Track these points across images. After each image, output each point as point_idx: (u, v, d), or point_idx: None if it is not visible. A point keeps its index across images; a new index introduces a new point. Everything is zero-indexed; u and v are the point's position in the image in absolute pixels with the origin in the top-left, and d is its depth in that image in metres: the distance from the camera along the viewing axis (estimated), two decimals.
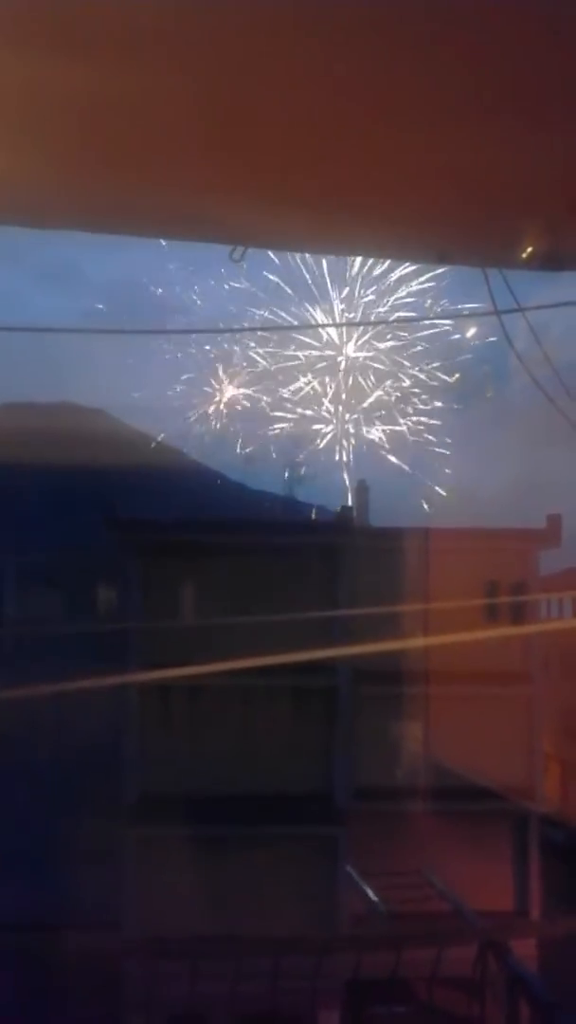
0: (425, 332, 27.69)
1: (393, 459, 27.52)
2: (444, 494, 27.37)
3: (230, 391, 26.64)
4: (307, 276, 25.39)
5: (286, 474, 27.74)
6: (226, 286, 24.78)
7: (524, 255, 4.73)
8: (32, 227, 4.71)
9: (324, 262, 24.29)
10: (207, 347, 26.63)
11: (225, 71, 3.57)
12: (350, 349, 28.46)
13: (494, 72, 3.66)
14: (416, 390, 27.71)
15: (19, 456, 20.57)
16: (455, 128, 4.00)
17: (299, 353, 27.47)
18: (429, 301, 25.59)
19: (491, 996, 11.66)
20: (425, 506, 26.75)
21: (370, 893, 18.15)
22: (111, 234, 4.57)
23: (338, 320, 28.17)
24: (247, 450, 27.96)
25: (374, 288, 26.52)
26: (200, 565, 21.46)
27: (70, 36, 3.31)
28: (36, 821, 19.13)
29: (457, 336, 26.56)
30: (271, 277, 24.40)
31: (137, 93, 3.66)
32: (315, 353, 27.68)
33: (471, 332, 26.14)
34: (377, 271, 25.52)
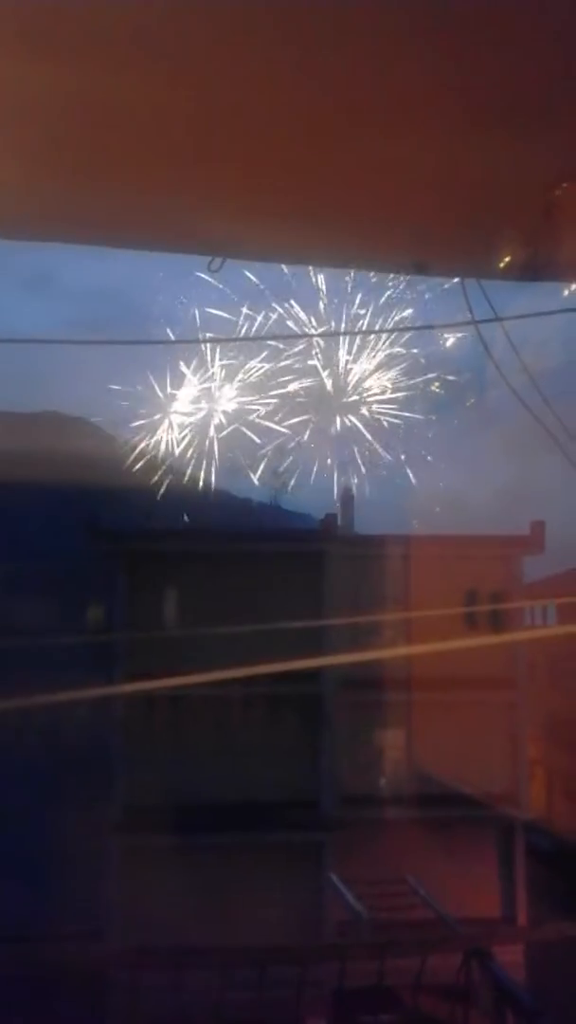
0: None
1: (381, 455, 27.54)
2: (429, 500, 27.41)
3: (222, 399, 26.63)
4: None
5: (271, 482, 27.76)
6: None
7: (501, 265, 4.75)
8: (8, 239, 4.70)
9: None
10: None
11: (203, 81, 3.58)
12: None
13: (472, 83, 3.69)
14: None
15: (1, 466, 20.55)
16: (432, 139, 4.02)
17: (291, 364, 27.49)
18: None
19: (476, 1003, 11.67)
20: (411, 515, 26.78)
21: (355, 901, 18.16)
22: (86, 245, 4.57)
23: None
24: (231, 458, 27.95)
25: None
26: (184, 574, 21.46)
27: (45, 40, 3.29)
28: (18, 831, 19.02)
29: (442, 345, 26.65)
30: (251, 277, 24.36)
31: (114, 101, 3.66)
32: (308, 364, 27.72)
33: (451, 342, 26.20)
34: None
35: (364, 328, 25.83)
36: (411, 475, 26.72)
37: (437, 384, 26.69)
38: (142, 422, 26.27)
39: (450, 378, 26.44)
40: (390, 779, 22.33)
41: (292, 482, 27.49)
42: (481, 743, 21.34)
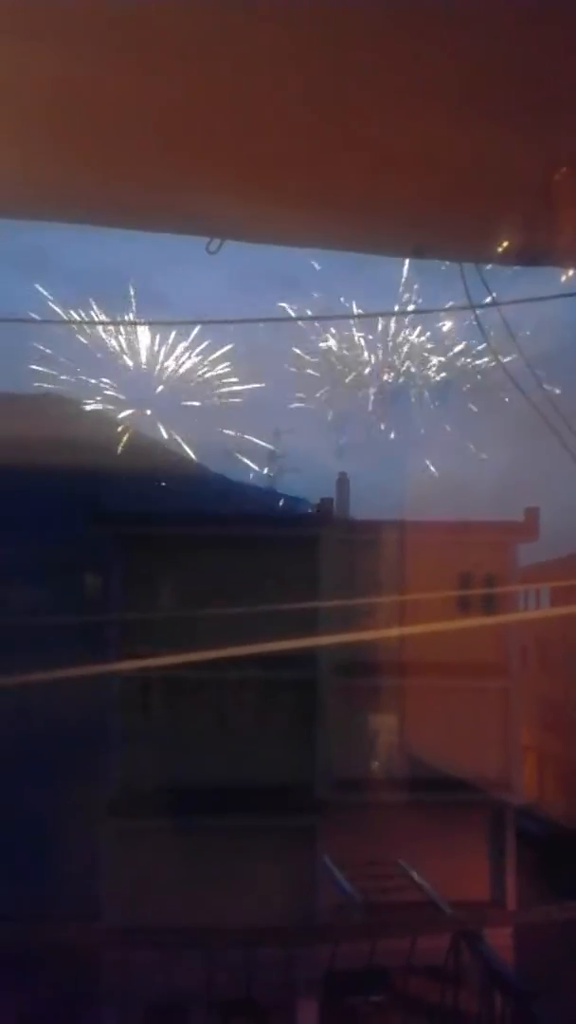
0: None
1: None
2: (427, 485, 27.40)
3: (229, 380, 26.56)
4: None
5: (268, 466, 27.77)
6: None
7: (499, 250, 4.76)
8: (8, 219, 4.70)
9: None
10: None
11: (202, 65, 3.58)
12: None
13: (471, 68, 3.69)
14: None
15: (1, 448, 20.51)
16: (432, 123, 4.02)
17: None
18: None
19: (465, 984, 11.77)
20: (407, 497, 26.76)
21: (347, 884, 18.29)
22: (84, 225, 4.57)
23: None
24: (230, 441, 27.93)
25: None
26: (182, 557, 21.48)
27: (45, 24, 3.29)
28: (12, 813, 19.09)
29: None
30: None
31: (114, 84, 3.66)
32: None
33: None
34: None
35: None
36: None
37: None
38: (137, 407, 26.26)
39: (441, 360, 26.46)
40: (383, 763, 22.44)
41: (289, 466, 27.52)
42: (473, 728, 21.44)
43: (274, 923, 17.10)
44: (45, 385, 26.19)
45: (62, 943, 13.80)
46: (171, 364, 26.10)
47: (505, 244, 4.74)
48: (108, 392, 26.39)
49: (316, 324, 27.30)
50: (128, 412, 26.21)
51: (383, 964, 13.80)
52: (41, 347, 24.43)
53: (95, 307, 22.05)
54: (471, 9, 3.38)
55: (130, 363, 26.58)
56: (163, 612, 20.34)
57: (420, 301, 23.59)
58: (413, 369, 26.86)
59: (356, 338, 27.15)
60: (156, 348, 26.77)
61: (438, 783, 20.78)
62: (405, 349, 26.76)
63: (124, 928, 17.35)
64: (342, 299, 24.13)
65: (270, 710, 21.33)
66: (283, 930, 15.76)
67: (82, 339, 25.41)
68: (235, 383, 26.84)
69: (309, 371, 27.38)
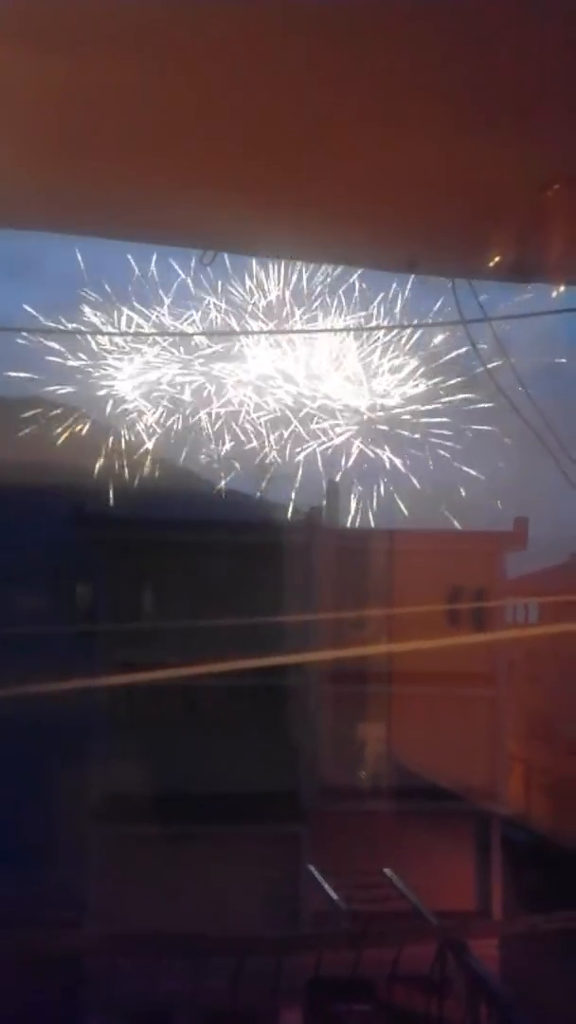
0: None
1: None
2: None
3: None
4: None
5: (257, 473, 27.73)
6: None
7: (492, 265, 4.79)
8: (4, 227, 4.70)
9: None
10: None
11: (202, 77, 3.60)
12: None
13: (466, 86, 3.72)
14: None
15: None
16: (426, 140, 4.04)
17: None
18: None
19: (450, 995, 11.77)
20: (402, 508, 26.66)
21: (333, 892, 18.25)
22: (81, 234, 4.58)
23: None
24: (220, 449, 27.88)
25: None
26: (168, 563, 21.46)
27: (44, 31, 3.30)
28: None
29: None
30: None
31: (111, 97, 3.67)
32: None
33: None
34: None
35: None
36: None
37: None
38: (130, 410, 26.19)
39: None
40: (369, 772, 22.43)
41: (279, 474, 27.47)
42: (460, 738, 21.44)
43: (259, 931, 17.05)
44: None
45: (46, 950, 13.74)
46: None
47: (498, 259, 4.77)
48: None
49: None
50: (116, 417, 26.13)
51: (369, 973, 13.77)
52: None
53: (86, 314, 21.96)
54: (466, 26, 3.41)
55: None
56: (151, 621, 20.31)
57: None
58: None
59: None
60: None
61: (425, 792, 20.78)
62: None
63: (108, 935, 17.28)
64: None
65: (257, 717, 21.31)
66: (268, 938, 15.72)
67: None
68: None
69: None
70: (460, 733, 21.43)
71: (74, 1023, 16.91)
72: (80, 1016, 16.80)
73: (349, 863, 19.10)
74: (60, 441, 22.81)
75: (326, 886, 18.55)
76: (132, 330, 20.72)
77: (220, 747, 20.73)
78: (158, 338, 20.75)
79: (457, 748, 21.26)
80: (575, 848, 22.72)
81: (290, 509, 24.80)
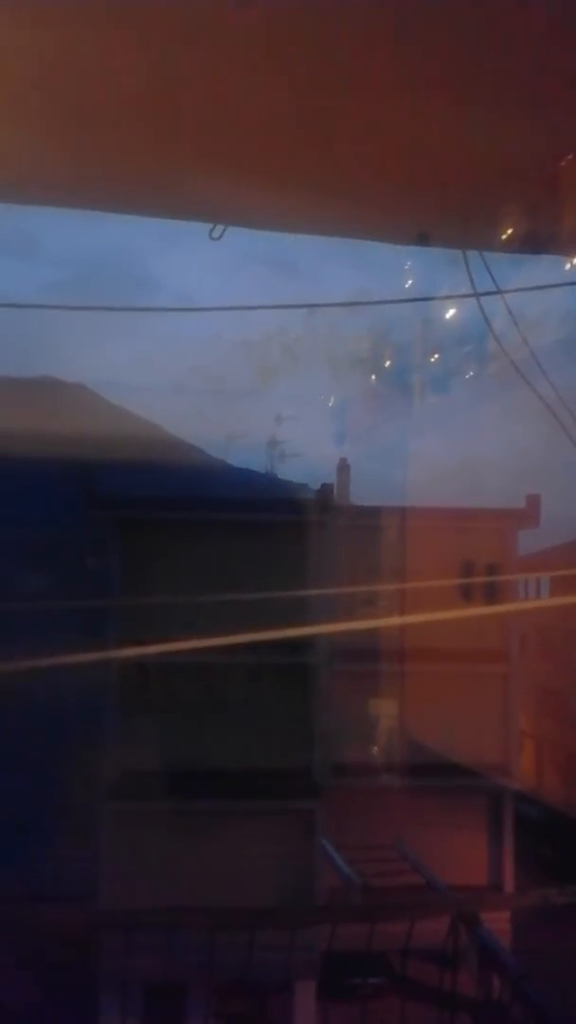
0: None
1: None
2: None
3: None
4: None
5: (268, 451, 27.74)
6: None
7: (504, 237, 4.75)
8: (8, 203, 4.68)
9: None
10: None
11: (207, 49, 3.56)
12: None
13: (475, 55, 3.67)
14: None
15: None
16: (436, 111, 4.00)
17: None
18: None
19: (462, 968, 11.84)
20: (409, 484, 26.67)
21: (346, 866, 18.37)
22: (86, 210, 4.56)
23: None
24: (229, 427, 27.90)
25: None
26: (180, 542, 21.47)
27: (47, 7, 3.27)
28: (11, 796, 19.17)
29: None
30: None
31: (114, 68, 3.64)
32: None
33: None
34: None
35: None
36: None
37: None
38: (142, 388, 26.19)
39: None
40: (382, 748, 22.52)
41: (289, 451, 27.49)
42: (473, 714, 21.51)
43: (273, 904, 17.19)
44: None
45: (58, 925, 13.87)
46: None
47: (509, 232, 4.73)
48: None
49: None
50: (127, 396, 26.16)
51: (382, 946, 13.89)
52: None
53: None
54: (478, 1, 3.37)
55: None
56: (162, 598, 20.34)
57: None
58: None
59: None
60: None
61: (437, 768, 20.87)
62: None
63: (121, 910, 17.44)
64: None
65: (269, 694, 21.37)
66: (281, 912, 15.84)
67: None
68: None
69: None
70: (473, 709, 21.49)
71: (86, 996, 17.09)
72: (93, 989, 16.97)
73: (363, 838, 19.22)
74: (73, 419, 22.87)
75: (340, 861, 18.67)
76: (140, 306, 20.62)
77: (234, 724, 20.82)
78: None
79: (470, 724, 21.32)
80: None
81: (301, 486, 24.84)
